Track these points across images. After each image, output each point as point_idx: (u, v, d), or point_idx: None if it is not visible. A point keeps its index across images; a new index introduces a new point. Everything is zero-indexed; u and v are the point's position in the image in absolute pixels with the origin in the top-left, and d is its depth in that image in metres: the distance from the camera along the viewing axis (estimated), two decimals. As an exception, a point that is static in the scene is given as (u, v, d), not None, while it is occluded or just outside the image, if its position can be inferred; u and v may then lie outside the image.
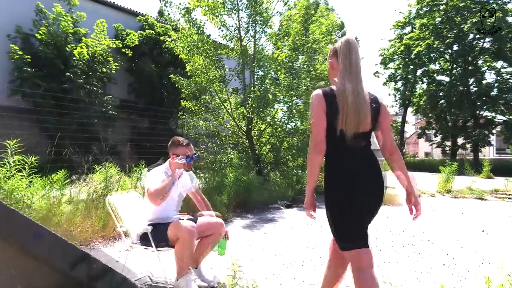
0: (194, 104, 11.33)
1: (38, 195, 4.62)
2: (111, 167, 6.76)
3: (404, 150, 30.93)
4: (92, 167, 6.98)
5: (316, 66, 11.07)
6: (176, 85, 11.40)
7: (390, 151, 2.49)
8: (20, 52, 12.75)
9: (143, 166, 7.73)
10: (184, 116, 11.59)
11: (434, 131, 28.50)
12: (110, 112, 14.58)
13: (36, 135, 12.90)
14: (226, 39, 11.24)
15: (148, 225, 3.29)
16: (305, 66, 11.21)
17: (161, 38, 12.57)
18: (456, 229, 6.24)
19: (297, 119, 11.66)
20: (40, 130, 13.03)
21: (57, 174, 5.43)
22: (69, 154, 7.70)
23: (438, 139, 28.45)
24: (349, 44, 2.41)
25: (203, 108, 11.26)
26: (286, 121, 11.45)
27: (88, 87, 13.87)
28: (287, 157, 11.35)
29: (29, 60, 12.77)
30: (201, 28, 10.57)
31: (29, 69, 12.62)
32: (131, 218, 3.58)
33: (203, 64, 10.88)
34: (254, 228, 6.22)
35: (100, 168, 6.77)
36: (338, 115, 2.30)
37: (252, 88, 11.51)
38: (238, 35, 11.18)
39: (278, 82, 11.63)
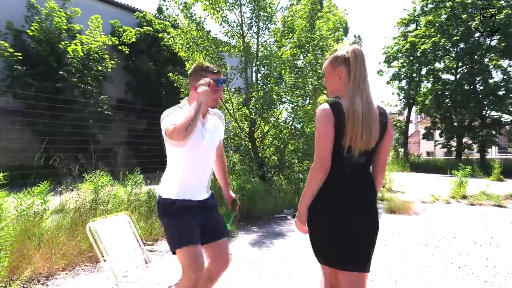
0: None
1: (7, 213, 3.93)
2: (101, 175, 6.12)
3: (408, 150, 30.23)
4: (81, 175, 6.34)
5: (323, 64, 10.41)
6: (175, 84, 10.76)
7: (381, 170, 2.40)
8: (10, 50, 12.11)
9: (138, 172, 7.10)
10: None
11: (439, 131, 27.88)
12: (106, 112, 13.93)
13: (26, 138, 12.29)
14: (227, 36, 10.61)
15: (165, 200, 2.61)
16: (310, 65, 10.56)
17: (160, 35, 11.89)
18: (484, 243, 5.62)
19: (302, 120, 11.02)
20: (31, 132, 12.40)
21: (41, 184, 4.78)
22: (59, 161, 7.04)
23: (443, 139, 27.84)
24: (363, 56, 2.25)
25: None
26: (291, 123, 10.80)
27: (82, 86, 13.22)
28: (292, 161, 10.71)
29: (20, 57, 12.13)
30: (201, 24, 9.92)
31: (20, 67, 11.97)
32: (117, 249, 2.95)
33: (202, 61, 10.25)
34: (262, 245, 5.59)
35: (90, 177, 6.13)
36: (345, 131, 2.16)
37: (255, 87, 10.89)
38: (241, 32, 10.54)
39: (282, 81, 10.99)
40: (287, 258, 4.96)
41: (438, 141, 28.84)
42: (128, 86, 16.87)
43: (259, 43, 10.74)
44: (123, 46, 15.23)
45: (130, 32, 15.52)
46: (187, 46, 10.24)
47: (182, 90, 10.76)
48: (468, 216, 8.13)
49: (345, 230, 2.22)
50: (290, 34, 11.08)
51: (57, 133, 11.67)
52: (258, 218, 7.43)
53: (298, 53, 10.84)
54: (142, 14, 16.79)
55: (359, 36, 37.36)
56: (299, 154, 10.58)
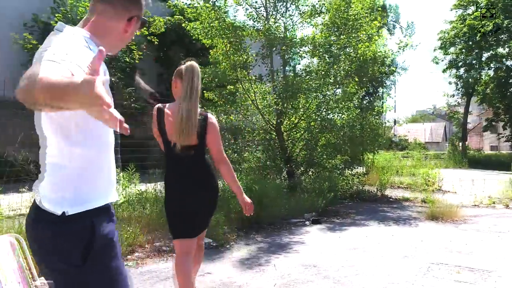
0: (216, 94, 9.83)
1: None
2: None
3: (466, 144, 27.72)
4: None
5: (358, 46, 9.16)
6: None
7: (217, 160, 2.92)
8: (34, 42, 11.83)
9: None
10: (204, 110, 10.10)
11: (502, 122, 25.31)
12: (133, 105, 13.42)
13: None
14: (250, 18, 9.63)
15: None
16: (343, 48, 9.34)
17: (183, 24, 11.11)
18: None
19: (335, 111, 9.85)
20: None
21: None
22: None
23: (507, 131, 25.27)
24: (192, 70, 2.79)
25: (223, 100, 9.72)
26: (321, 114, 9.63)
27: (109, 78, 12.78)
28: (322, 157, 9.56)
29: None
30: (218, 4, 8.99)
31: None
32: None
33: (224, 48, 9.34)
34: (253, 264, 4.56)
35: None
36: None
37: (282, 75, 9.85)
38: (265, 13, 9.53)
39: (313, 67, 9.87)
40: (276, 286, 3.93)
41: (501, 133, 26.24)
42: (160, 78, 16.36)
43: (286, 26, 9.68)
44: (152, 37, 14.64)
45: (160, 21, 14.90)
46: (206, 31, 9.37)
47: (204, 80, 9.93)
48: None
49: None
50: (322, 14, 9.92)
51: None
52: (271, 223, 6.43)
53: (331, 35, 9.66)
54: (174, 4, 16.14)
55: (412, 22, 34.88)
56: (329, 149, 9.44)
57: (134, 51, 13.72)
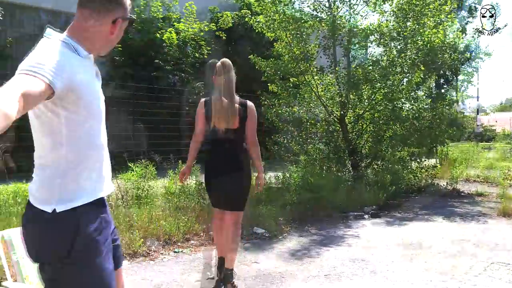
0: (279, 87, 9.87)
1: None
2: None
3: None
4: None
5: (425, 33, 8.69)
6: (256, 67, 10.06)
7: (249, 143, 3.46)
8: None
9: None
10: (266, 102, 10.17)
11: None
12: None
13: (129, 128, 12.79)
14: (313, 9, 9.53)
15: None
16: (410, 36, 8.91)
17: (247, 19, 11.25)
18: None
19: (402, 101, 9.44)
20: (133, 122, 12.91)
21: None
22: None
23: None
24: (226, 65, 3.42)
25: (286, 92, 9.74)
26: (387, 105, 9.28)
27: (178, 73, 13.36)
28: (387, 149, 9.25)
29: (120, 48, 12.63)
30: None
31: (117, 58, 12.49)
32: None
33: (287, 40, 9.35)
34: (303, 255, 4.58)
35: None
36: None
37: (345, 65, 9.65)
38: (327, 3, 9.38)
39: (378, 57, 9.55)
40: (318, 277, 3.94)
41: None
42: (230, 72, 16.72)
43: (349, 15, 9.45)
44: (220, 32, 15.03)
45: (228, 16, 15.25)
46: (268, 24, 9.44)
47: (266, 73, 10.01)
48: None
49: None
50: (389, 1, 9.51)
51: (156, 122, 12.18)
52: (328, 215, 6.39)
53: (401, 23, 9.24)
54: (241, -2, 16.38)
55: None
56: (393, 141, 9.09)
57: (203, 47, 14.19)
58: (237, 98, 3.39)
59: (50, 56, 1.36)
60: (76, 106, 1.44)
